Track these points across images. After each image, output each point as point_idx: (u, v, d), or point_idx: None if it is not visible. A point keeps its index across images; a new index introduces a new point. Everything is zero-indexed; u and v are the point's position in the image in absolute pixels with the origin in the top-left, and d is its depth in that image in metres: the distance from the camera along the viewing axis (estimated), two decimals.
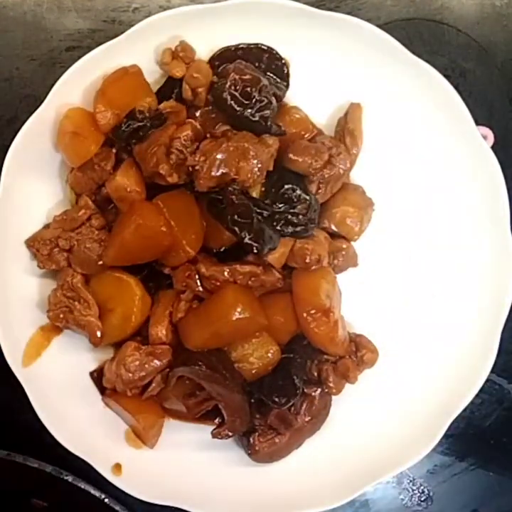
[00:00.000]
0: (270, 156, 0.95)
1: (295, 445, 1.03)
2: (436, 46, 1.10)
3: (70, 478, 0.94)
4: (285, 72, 1.03)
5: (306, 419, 1.01)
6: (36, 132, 0.96)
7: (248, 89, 0.95)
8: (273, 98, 0.96)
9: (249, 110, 0.95)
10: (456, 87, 1.00)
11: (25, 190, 0.99)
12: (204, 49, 1.01)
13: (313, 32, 1.01)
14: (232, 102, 0.95)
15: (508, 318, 1.01)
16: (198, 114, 1.01)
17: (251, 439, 1.00)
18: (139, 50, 0.99)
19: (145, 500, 0.98)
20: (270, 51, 1.02)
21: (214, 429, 0.99)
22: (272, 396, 0.97)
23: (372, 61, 1.01)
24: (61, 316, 0.98)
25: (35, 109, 0.95)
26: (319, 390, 1.01)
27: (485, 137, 1.04)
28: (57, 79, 0.95)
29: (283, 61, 1.02)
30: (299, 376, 0.98)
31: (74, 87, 0.97)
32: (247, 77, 0.95)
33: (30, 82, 1.07)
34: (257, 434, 1.00)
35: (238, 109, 0.95)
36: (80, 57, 0.96)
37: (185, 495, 1.00)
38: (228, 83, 0.95)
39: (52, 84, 0.95)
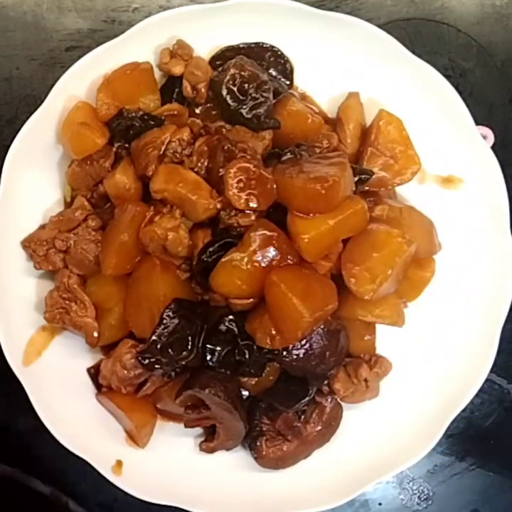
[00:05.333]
0: (265, 148, 0.96)
1: (303, 455, 1.02)
2: (436, 46, 1.10)
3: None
4: (288, 70, 1.03)
5: (317, 428, 1.01)
6: (36, 132, 0.96)
7: (246, 85, 0.96)
8: (271, 95, 0.97)
9: (244, 107, 0.96)
10: (456, 87, 1.00)
11: (25, 190, 0.99)
12: (204, 49, 1.02)
13: (313, 32, 1.01)
14: (228, 97, 0.96)
15: (507, 318, 1.01)
16: (198, 111, 1.02)
17: (258, 443, 1.00)
18: (139, 50, 0.99)
19: (145, 500, 0.98)
20: (272, 49, 1.02)
21: (202, 442, 1.01)
22: (283, 400, 0.97)
23: (373, 61, 1.02)
24: (58, 317, 0.98)
25: (35, 109, 0.95)
26: (331, 398, 1.01)
27: (485, 137, 1.04)
28: (57, 79, 0.95)
29: (286, 59, 1.03)
30: (313, 383, 0.98)
31: (74, 87, 0.97)
32: (246, 73, 0.96)
33: (30, 82, 1.07)
34: (264, 438, 1.00)
35: (232, 104, 0.96)
36: (79, 57, 0.96)
37: (185, 495, 1.00)
38: (227, 77, 0.96)
39: (52, 85, 0.95)
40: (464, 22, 1.10)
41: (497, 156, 0.99)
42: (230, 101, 0.96)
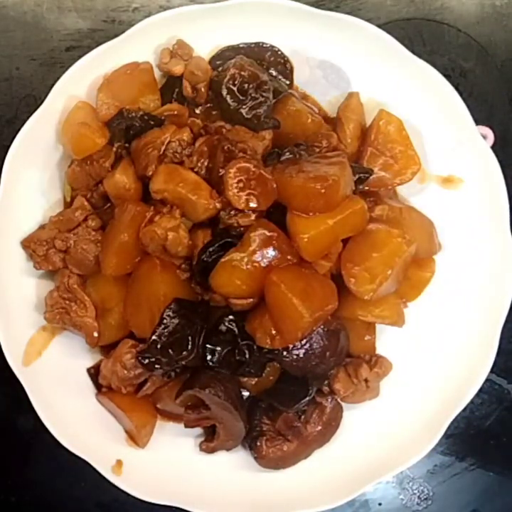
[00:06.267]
0: (265, 148, 0.96)
1: (303, 455, 1.02)
2: (436, 46, 1.10)
3: None
4: (288, 70, 1.03)
5: (317, 428, 1.01)
6: (36, 132, 0.96)
7: (246, 85, 0.96)
8: (270, 95, 0.97)
9: (244, 107, 0.96)
10: (456, 87, 0.99)
11: (25, 190, 0.99)
12: (204, 49, 1.02)
13: (313, 32, 1.01)
14: (228, 97, 0.96)
15: (507, 318, 1.01)
16: (198, 111, 1.02)
17: (258, 443, 1.00)
18: (139, 50, 0.99)
19: (145, 500, 0.98)
20: (272, 49, 1.02)
21: (202, 442, 1.01)
22: (283, 400, 0.97)
23: (373, 61, 1.02)
24: (58, 317, 0.98)
25: (35, 109, 0.95)
26: (331, 399, 1.01)
27: (485, 137, 1.04)
28: (57, 79, 0.95)
29: (286, 58, 1.03)
30: (314, 383, 0.98)
31: (74, 87, 0.97)
32: (246, 72, 0.96)
33: (30, 82, 1.07)
34: (265, 438, 1.00)
35: (232, 104, 0.96)
36: (80, 57, 0.96)
37: (185, 495, 1.00)
38: (227, 77, 0.96)
39: (52, 84, 0.95)
40: (464, 22, 1.10)
41: (497, 156, 0.99)
42: (230, 101, 0.97)
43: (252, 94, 0.96)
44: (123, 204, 0.95)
